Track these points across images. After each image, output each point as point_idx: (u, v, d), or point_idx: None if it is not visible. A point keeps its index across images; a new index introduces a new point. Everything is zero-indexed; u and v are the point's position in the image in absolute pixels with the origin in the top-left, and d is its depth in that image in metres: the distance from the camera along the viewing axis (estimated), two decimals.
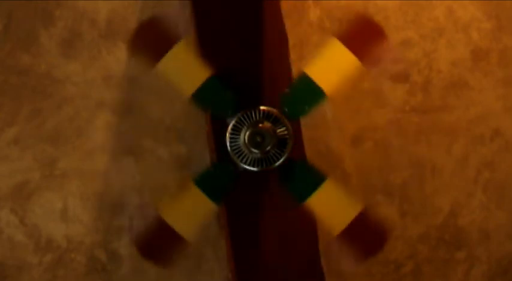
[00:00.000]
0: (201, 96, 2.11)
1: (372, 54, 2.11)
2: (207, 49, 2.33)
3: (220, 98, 2.12)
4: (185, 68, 2.11)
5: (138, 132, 2.70)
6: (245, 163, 2.14)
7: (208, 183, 2.15)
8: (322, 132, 2.77)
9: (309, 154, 2.41)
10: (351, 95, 2.76)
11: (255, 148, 2.12)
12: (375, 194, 2.80)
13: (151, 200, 2.71)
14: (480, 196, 2.84)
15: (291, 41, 2.54)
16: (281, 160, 2.15)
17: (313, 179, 2.15)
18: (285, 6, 2.42)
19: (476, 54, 2.83)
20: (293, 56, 2.56)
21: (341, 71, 2.11)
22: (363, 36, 2.11)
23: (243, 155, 2.14)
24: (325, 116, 2.77)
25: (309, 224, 2.42)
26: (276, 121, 2.13)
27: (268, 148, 2.12)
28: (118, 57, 2.68)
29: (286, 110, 2.13)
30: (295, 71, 2.42)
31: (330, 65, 2.11)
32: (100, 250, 2.70)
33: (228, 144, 2.13)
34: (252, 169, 2.15)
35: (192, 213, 2.16)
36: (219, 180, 2.16)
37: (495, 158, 2.84)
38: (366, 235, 2.15)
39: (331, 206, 2.15)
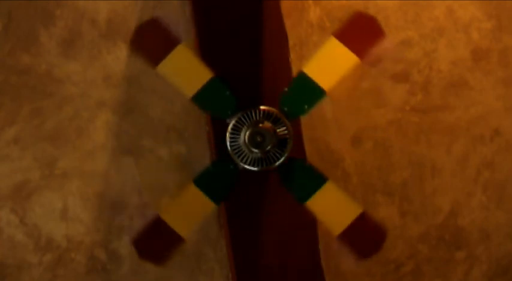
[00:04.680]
0: (202, 98, 2.12)
1: (370, 51, 2.11)
2: (207, 49, 2.33)
3: (221, 100, 2.12)
4: (186, 70, 2.11)
5: (138, 132, 2.70)
6: (245, 163, 2.14)
7: (208, 182, 2.15)
8: (322, 132, 2.77)
9: (309, 154, 2.41)
10: (351, 95, 2.76)
11: (255, 148, 2.12)
12: (375, 194, 2.80)
13: (151, 200, 2.71)
14: (480, 196, 2.84)
15: (291, 41, 2.55)
16: (281, 160, 2.15)
17: (314, 180, 2.16)
18: (285, 6, 2.42)
19: (476, 54, 2.83)
20: (293, 56, 2.57)
21: (339, 69, 2.12)
22: (360, 33, 2.11)
23: (243, 155, 2.14)
24: (325, 116, 2.77)
25: (309, 224, 2.42)
26: (276, 121, 2.13)
27: (268, 147, 2.12)
28: (118, 57, 2.69)
29: (286, 109, 2.14)
30: (295, 71, 2.42)
31: (328, 63, 2.12)
32: (100, 250, 2.70)
33: (228, 144, 2.14)
34: (252, 168, 2.15)
35: (191, 213, 2.16)
36: (219, 179, 2.16)
37: (495, 158, 2.84)
38: (365, 235, 2.16)
39: (331, 208, 2.16)
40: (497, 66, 2.84)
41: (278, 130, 2.13)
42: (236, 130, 2.13)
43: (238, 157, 2.14)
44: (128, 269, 2.72)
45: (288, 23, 2.41)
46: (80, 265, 2.70)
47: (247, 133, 2.12)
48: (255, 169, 2.15)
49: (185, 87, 2.13)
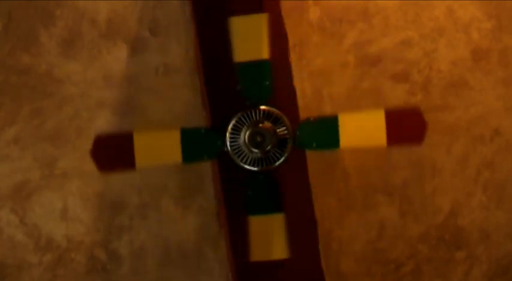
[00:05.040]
0: (245, 69, 2.10)
1: (399, 145, 2.12)
2: (207, 49, 2.33)
3: (258, 82, 2.11)
4: (252, 37, 2.09)
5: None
6: (245, 163, 2.14)
7: (190, 139, 2.14)
8: None
9: (309, 154, 2.41)
10: (351, 95, 2.76)
11: (255, 148, 2.12)
12: (375, 194, 2.80)
13: (151, 200, 2.71)
14: (480, 196, 2.84)
15: (291, 41, 2.55)
16: (281, 160, 2.15)
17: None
18: (285, 6, 2.42)
19: (476, 54, 2.83)
20: (293, 56, 2.57)
21: (366, 139, 2.12)
22: (406, 126, 2.12)
23: (243, 155, 2.14)
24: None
25: (309, 224, 2.42)
26: (276, 121, 2.13)
27: (268, 147, 2.13)
28: (118, 57, 2.68)
29: (298, 134, 2.14)
30: (295, 71, 2.42)
31: (361, 129, 2.12)
32: (100, 250, 2.70)
33: (228, 144, 2.14)
34: (252, 168, 2.15)
35: (158, 151, 2.15)
36: (201, 144, 2.15)
37: (495, 158, 2.84)
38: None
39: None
40: (497, 66, 2.84)
41: (278, 130, 2.13)
42: (236, 130, 2.13)
43: (238, 157, 2.14)
44: (128, 269, 2.72)
45: (288, 23, 2.41)
46: (80, 265, 2.70)
47: (247, 133, 2.12)
48: (255, 169, 2.15)
49: (240, 49, 2.10)
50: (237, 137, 2.13)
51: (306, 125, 2.15)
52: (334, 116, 2.12)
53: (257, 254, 2.16)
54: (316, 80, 2.75)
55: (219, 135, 2.13)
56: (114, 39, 2.69)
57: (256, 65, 2.09)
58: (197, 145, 2.14)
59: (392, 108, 2.14)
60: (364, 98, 2.78)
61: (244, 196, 2.19)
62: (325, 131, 2.13)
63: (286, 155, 2.14)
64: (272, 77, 2.11)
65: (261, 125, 2.12)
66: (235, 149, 2.14)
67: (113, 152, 2.13)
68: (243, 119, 2.13)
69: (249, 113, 2.13)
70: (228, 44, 2.22)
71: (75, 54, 2.68)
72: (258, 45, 2.09)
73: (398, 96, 2.80)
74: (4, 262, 2.68)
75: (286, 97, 2.35)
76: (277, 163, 2.15)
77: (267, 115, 2.13)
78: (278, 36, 2.35)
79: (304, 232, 2.42)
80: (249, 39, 2.09)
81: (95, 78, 2.69)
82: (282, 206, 2.17)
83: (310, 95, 2.71)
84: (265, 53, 2.09)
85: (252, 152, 2.13)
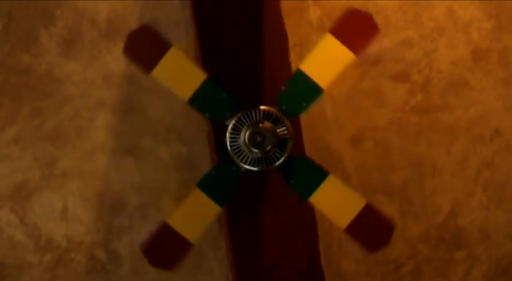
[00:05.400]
0: (199, 100, 2.12)
1: (365, 47, 2.11)
2: (207, 49, 2.33)
3: (217, 101, 2.12)
4: (180, 73, 2.11)
5: (138, 132, 2.70)
6: (245, 163, 2.14)
7: (211, 185, 2.16)
8: (322, 132, 2.77)
9: (309, 154, 2.41)
10: (351, 95, 2.76)
11: (255, 148, 2.12)
12: (375, 194, 2.80)
13: (151, 200, 2.71)
14: (480, 196, 2.84)
15: (291, 41, 2.54)
16: (281, 160, 2.15)
17: (316, 176, 2.15)
18: (285, 6, 2.42)
19: (476, 54, 2.83)
20: (293, 56, 2.56)
21: (336, 66, 2.12)
22: (356, 29, 2.11)
23: (243, 155, 2.14)
24: (325, 116, 2.77)
25: (309, 224, 2.42)
26: (276, 121, 2.13)
27: (268, 147, 2.12)
28: (118, 57, 2.68)
29: (284, 107, 2.13)
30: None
31: (324, 60, 2.12)
32: (100, 250, 2.70)
33: (228, 144, 2.13)
34: (252, 168, 2.15)
35: (197, 217, 2.17)
36: (222, 182, 2.17)
37: (495, 158, 2.84)
38: (372, 227, 2.16)
39: (335, 202, 2.16)
40: (497, 66, 2.84)
41: (278, 130, 2.13)
42: (236, 130, 2.13)
43: (238, 157, 2.14)
44: (128, 269, 2.72)
45: (288, 23, 2.41)
46: (80, 265, 2.70)
47: (247, 133, 2.12)
48: (255, 169, 2.15)
49: (181, 90, 2.13)
50: (237, 137, 2.13)
51: (283, 95, 2.15)
52: (296, 70, 2.13)
53: (342, 221, 2.15)
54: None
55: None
56: (114, 39, 2.69)
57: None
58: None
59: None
60: (364, 98, 2.78)
61: (291, 187, 2.19)
62: (301, 87, 2.14)
63: (286, 155, 2.14)
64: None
65: (261, 125, 2.12)
66: (235, 149, 2.14)
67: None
68: (243, 119, 2.13)
69: (249, 113, 2.13)
70: (228, 43, 2.23)
71: (75, 54, 2.68)
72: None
73: (398, 96, 2.80)
74: (4, 262, 2.68)
75: None
76: (277, 163, 2.15)
77: (267, 115, 2.13)
78: (278, 36, 2.35)
79: (304, 232, 2.42)
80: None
81: (95, 78, 2.69)
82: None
83: None
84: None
85: (252, 152, 2.12)
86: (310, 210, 2.42)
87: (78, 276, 2.70)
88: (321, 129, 2.77)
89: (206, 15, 2.32)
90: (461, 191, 2.83)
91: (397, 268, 2.82)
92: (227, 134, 2.13)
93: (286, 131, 2.13)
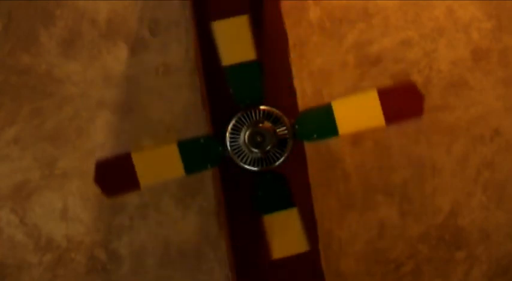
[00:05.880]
0: (234, 73, 2.09)
1: (400, 120, 2.11)
2: (207, 49, 2.33)
3: (249, 84, 2.10)
4: (237, 40, 2.08)
5: (138, 132, 2.70)
6: (245, 163, 2.14)
7: (189, 151, 2.14)
8: None
9: (309, 154, 2.41)
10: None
11: (255, 148, 2.12)
12: (375, 194, 2.80)
13: (151, 200, 2.71)
14: (480, 196, 2.84)
15: (291, 41, 2.55)
16: (281, 160, 2.15)
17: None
18: (285, 6, 2.42)
19: (476, 54, 2.83)
20: (293, 56, 2.57)
21: (363, 122, 2.12)
22: (401, 101, 2.11)
23: (243, 155, 2.14)
24: None
25: (309, 224, 2.42)
26: (276, 121, 2.13)
27: (268, 147, 2.12)
28: (118, 57, 2.68)
29: (297, 127, 2.13)
30: (295, 71, 2.42)
31: (356, 111, 2.12)
32: (100, 250, 2.70)
33: (228, 144, 2.13)
34: (252, 168, 2.15)
35: (159, 168, 2.15)
36: (202, 153, 2.15)
37: (495, 158, 2.84)
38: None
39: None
40: (497, 66, 2.84)
41: (278, 130, 2.13)
42: (236, 130, 2.13)
43: (238, 157, 2.14)
44: (128, 269, 2.72)
45: (288, 23, 2.41)
46: (80, 265, 2.70)
47: (247, 133, 2.12)
48: (255, 169, 2.15)
49: (226, 54, 2.10)
50: (237, 137, 2.13)
51: (303, 117, 2.15)
52: (328, 104, 2.12)
53: (277, 251, 2.16)
54: (316, 80, 2.75)
55: (219, 141, 2.13)
56: (114, 39, 2.69)
57: (245, 67, 2.08)
58: (198, 155, 2.14)
59: (385, 86, 2.12)
60: None
61: (254, 196, 2.18)
62: (322, 121, 2.13)
63: (286, 155, 2.14)
64: (263, 78, 2.11)
65: (261, 125, 2.12)
66: (235, 149, 2.14)
67: (116, 175, 2.13)
68: (243, 119, 2.13)
69: (249, 113, 2.13)
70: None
71: (75, 54, 2.68)
72: (244, 46, 2.09)
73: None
74: (4, 262, 2.68)
75: (286, 97, 2.35)
76: (277, 163, 2.15)
77: (267, 115, 2.13)
78: (278, 36, 2.35)
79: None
80: (233, 41, 2.09)
81: (95, 78, 2.69)
82: (293, 200, 2.17)
83: (310, 95, 2.71)
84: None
85: (252, 152, 2.12)
86: (310, 210, 2.43)
87: (78, 276, 2.70)
88: None
89: (206, 15, 2.32)
90: (461, 191, 2.83)
91: (397, 268, 2.82)
92: (227, 134, 2.13)
93: (286, 131, 2.13)
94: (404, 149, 2.80)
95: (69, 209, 2.69)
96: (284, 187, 2.18)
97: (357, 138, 2.79)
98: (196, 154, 2.13)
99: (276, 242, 2.17)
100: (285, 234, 2.18)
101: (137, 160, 2.10)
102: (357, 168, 2.79)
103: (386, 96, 2.09)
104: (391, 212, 2.81)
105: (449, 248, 2.84)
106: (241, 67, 2.08)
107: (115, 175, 2.12)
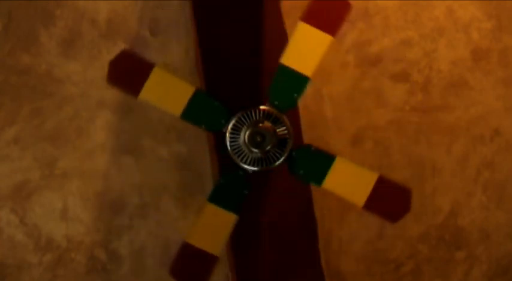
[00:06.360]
0: (191, 113, 2.11)
1: (339, 24, 2.10)
2: (207, 49, 2.33)
3: (210, 111, 2.12)
4: (168, 91, 2.11)
5: (138, 132, 2.70)
6: (245, 163, 2.14)
7: (222, 196, 2.15)
8: (322, 132, 2.77)
9: None
10: (351, 95, 2.77)
11: (255, 148, 2.12)
12: None
13: (151, 200, 2.71)
14: (480, 196, 2.84)
15: None
16: (281, 160, 2.15)
17: (323, 161, 2.14)
18: (285, 6, 2.42)
19: (476, 54, 2.83)
20: None
21: (316, 51, 2.12)
22: (326, 10, 2.10)
23: (243, 155, 2.14)
24: (325, 116, 2.77)
25: (309, 224, 2.42)
26: (276, 121, 2.13)
27: (268, 147, 2.12)
28: None
29: (277, 103, 2.13)
30: None
31: (303, 49, 2.11)
32: (100, 250, 2.70)
33: (228, 144, 2.14)
34: (252, 168, 2.15)
35: (216, 230, 2.16)
36: (232, 189, 2.16)
37: (495, 158, 2.84)
38: (390, 198, 2.15)
39: (348, 182, 2.14)
40: (497, 66, 2.84)
41: (278, 130, 2.13)
42: (236, 130, 2.13)
43: (238, 156, 2.14)
44: (128, 269, 2.72)
45: (288, 23, 2.41)
46: (80, 265, 2.70)
47: (247, 133, 2.12)
48: (255, 168, 2.15)
49: (172, 107, 2.13)
50: (237, 137, 2.13)
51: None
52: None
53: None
54: (316, 80, 2.74)
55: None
56: (114, 39, 2.69)
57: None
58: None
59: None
60: (364, 98, 2.79)
61: (302, 179, 2.18)
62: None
63: (286, 155, 2.14)
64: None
65: (261, 125, 2.12)
66: (235, 149, 2.14)
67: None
68: (243, 119, 2.13)
69: (249, 113, 2.13)
70: (228, 43, 2.23)
71: (75, 54, 2.68)
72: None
73: (398, 96, 2.80)
74: (4, 262, 2.68)
75: None
76: (277, 163, 2.15)
77: (267, 115, 2.13)
78: (278, 36, 2.35)
79: (304, 232, 2.42)
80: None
81: (95, 78, 2.69)
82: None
83: (310, 95, 2.71)
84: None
85: (252, 152, 2.12)
86: (310, 210, 2.43)
87: (78, 276, 2.70)
88: (321, 129, 2.77)
89: (206, 15, 2.32)
90: (461, 191, 2.83)
91: (397, 267, 2.82)
92: (227, 134, 2.14)
93: (286, 131, 2.13)
94: (404, 149, 2.80)
95: (69, 209, 2.69)
96: (313, 151, 2.17)
97: (357, 138, 2.79)
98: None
99: (352, 194, 2.16)
100: (351, 182, 2.16)
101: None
102: None
103: (312, 17, 2.09)
104: None
105: (449, 248, 2.84)
106: (191, 105, 2.10)
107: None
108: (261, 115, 2.13)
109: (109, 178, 2.69)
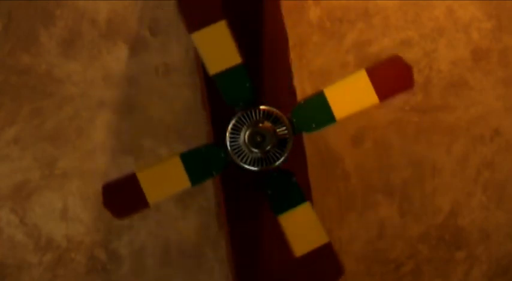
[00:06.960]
0: (222, 80, 2.09)
1: (392, 97, 2.11)
2: None
3: (240, 87, 2.10)
4: (219, 47, 2.09)
5: (138, 131, 2.70)
6: (245, 163, 2.14)
7: (193, 161, 2.14)
8: (322, 132, 2.76)
9: (309, 154, 2.41)
10: None
11: (255, 148, 2.12)
12: (375, 194, 2.80)
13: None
14: (480, 196, 2.84)
15: (291, 41, 2.54)
16: (281, 160, 2.15)
17: (295, 197, 2.16)
18: (285, 6, 2.42)
19: (476, 54, 2.83)
20: (293, 56, 2.57)
21: (357, 103, 2.12)
22: (391, 77, 2.11)
23: (243, 154, 2.13)
24: None
25: None
26: (276, 121, 2.13)
27: (268, 147, 2.12)
28: (118, 57, 2.69)
29: (295, 120, 2.13)
30: (295, 71, 2.42)
31: (349, 94, 2.12)
32: (100, 250, 2.70)
33: (228, 144, 2.13)
34: (252, 168, 2.15)
35: (165, 183, 2.14)
36: (205, 163, 2.15)
37: (495, 158, 2.84)
38: (322, 264, 2.17)
39: (300, 229, 2.16)
40: (497, 66, 2.84)
41: (278, 130, 2.13)
42: (236, 130, 2.13)
43: (238, 157, 2.14)
44: (128, 269, 2.72)
45: (288, 23, 2.41)
46: (80, 265, 2.70)
47: (247, 133, 2.12)
48: (255, 168, 2.15)
49: (211, 62, 2.10)
50: (237, 137, 2.13)
51: (298, 109, 2.15)
52: (320, 91, 2.12)
53: (299, 248, 2.16)
54: (316, 80, 2.75)
55: (221, 147, 2.13)
56: (114, 39, 2.69)
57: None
58: (201, 164, 2.14)
59: (372, 64, 2.12)
60: None
61: (265, 196, 2.18)
62: (318, 109, 2.13)
63: (286, 155, 2.14)
64: (250, 78, 2.12)
65: (261, 125, 2.12)
66: (235, 149, 2.14)
67: (124, 197, 2.13)
68: (243, 119, 2.12)
69: (249, 113, 2.13)
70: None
71: (75, 54, 2.68)
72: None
73: (398, 96, 2.80)
74: (4, 262, 2.68)
75: (286, 97, 2.35)
76: (277, 163, 2.15)
77: (267, 115, 2.13)
78: (278, 36, 2.35)
79: None
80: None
81: (95, 78, 2.69)
82: (304, 195, 2.17)
83: (310, 95, 2.71)
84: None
85: (252, 152, 2.12)
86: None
87: (78, 276, 2.70)
88: None
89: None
90: (461, 191, 2.83)
91: (397, 268, 2.82)
92: (227, 134, 2.13)
93: (286, 131, 2.13)
94: (404, 149, 2.80)
95: (69, 209, 2.69)
96: (292, 182, 2.18)
97: (357, 138, 2.79)
98: (200, 163, 2.13)
99: (296, 240, 2.17)
100: (303, 230, 2.17)
101: (142, 178, 2.11)
102: (357, 168, 2.79)
103: (376, 74, 2.09)
104: (391, 212, 2.81)
105: (449, 248, 2.84)
106: (229, 72, 2.09)
107: (123, 197, 2.13)
108: (261, 115, 2.13)
109: (109, 178, 2.68)
